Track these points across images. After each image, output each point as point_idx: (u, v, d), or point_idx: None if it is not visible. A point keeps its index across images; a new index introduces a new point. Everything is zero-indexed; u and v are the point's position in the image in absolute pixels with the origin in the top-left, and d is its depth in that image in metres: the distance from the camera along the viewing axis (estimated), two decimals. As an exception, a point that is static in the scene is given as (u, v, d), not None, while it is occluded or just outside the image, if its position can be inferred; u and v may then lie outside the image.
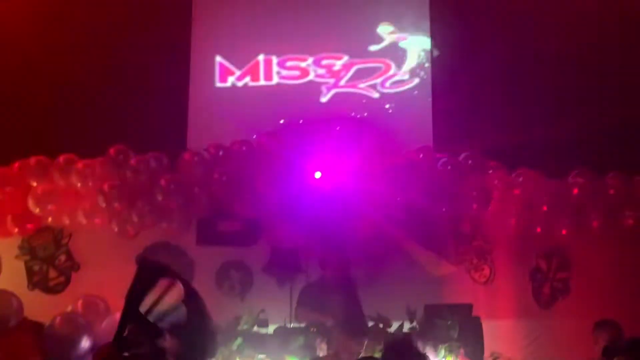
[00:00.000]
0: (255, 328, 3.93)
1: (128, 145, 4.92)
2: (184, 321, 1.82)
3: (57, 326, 3.23)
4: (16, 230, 4.87)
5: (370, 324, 4.05)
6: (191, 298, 1.86)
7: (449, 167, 5.06)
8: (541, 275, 5.47)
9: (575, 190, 5.27)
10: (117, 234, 4.87)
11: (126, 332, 1.75)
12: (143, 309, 1.77)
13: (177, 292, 1.88)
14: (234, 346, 3.64)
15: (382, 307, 4.41)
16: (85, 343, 3.26)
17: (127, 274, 5.05)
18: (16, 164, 4.87)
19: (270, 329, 4.04)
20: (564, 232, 5.23)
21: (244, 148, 4.99)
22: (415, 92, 5.83)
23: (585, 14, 5.96)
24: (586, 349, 4.17)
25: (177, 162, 4.92)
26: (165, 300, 1.79)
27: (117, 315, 3.54)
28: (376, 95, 5.76)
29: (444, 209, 5.06)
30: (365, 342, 3.42)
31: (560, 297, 5.47)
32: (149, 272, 1.83)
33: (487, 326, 4.52)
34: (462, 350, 3.87)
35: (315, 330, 3.78)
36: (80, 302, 3.66)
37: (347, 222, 5.26)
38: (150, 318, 1.78)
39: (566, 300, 5.45)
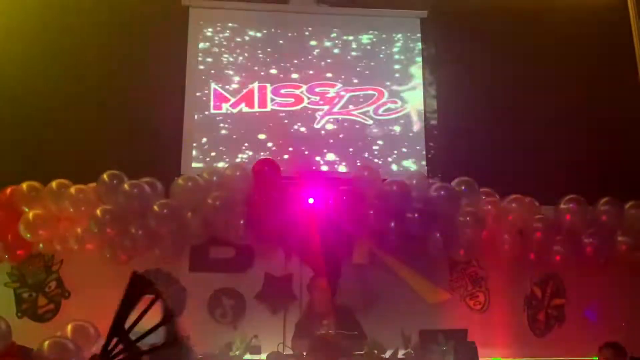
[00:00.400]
0: (248, 355, 3.86)
1: (121, 170, 4.92)
2: (161, 344, 1.88)
3: (46, 350, 3.16)
4: (6, 256, 4.81)
5: (365, 350, 3.98)
6: (167, 319, 1.93)
7: (442, 193, 5.07)
8: (536, 302, 5.46)
9: (568, 217, 5.30)
10: (109, 260, 4.81)
11: (111, 346, 1.82)
12: (127, 324, 1.85)
13: (156, 311, 1.93)
14: (227, 373, 3.58)
15: (376, 333, 4.37)
16: (74, 370, 3.19)
17: (118, 300, 4.99)
18: (8, 189, 4.84)
19: (263, 355, 3.97)
20: (557, 258, 5.22)
21: (237, 173, 4.99)
22: (408, 118, 5.89)
23: (575, 38, 6.11)
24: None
25: (171, 188, 4.91)
26: (146, 318, 1.86)
27: (107, 341, 3.49)
28: (369, 121, 5.81)
29: (437, 235, 5.05)
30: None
31: (556, 325, 5.45)
32: (137, 286, 1.90)
33: (482, 354, 4.49)
34: (457, 376, 3.82)
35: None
36: (69, 327, 3.59)
37: (341, 248, 5.26)
38: (132, 336, 1.85)
39: (562, 328, 5.43)
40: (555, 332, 5.41)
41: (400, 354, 3.97)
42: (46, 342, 3.27)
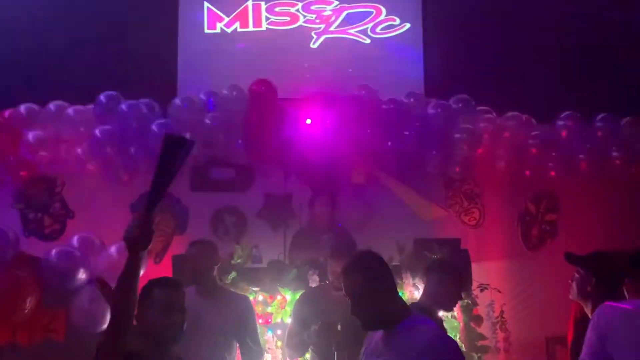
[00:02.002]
0: (250, 264, 4.01)
1: (118, 92, 4.92)
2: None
3: (54, 259, 3.29)
4: (10, 178, 4.89)
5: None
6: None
7: (439, 111, 5.08)
8: (530, 218, 5.58)
9: (564, 133, 5.34)
10: (110, 181, 4.90)
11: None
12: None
13: None
14: (228, 279, 3.73)
15: (372, 244, 4.49)
16: (81, 275, 3.33)
17: (121, 220, 5.13)
18: (6, 112, 4.86)
19: (264, 264, 4.13)
20: (552, 173, 5.30)
21: (234, 94, 4.98)
22: (406, 37, 5.81)
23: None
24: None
25: (168, 108, 4.92)
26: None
27: (113, 250, 3.62)
28: (367, 40, 5.73)
29: (434, 152, 5.11)
30: None
31: (549, 239, 5.60)
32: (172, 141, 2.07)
33: (476, 267, 4.65)
34: (450, 282, 3.96)
35: (307, 264, 3.86)
36: (75, 238, 3.72)
37: (338, 168, 5.34)
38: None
39: (554, 242, 5.59)
40: (548, 246, 5.56)
41: (395, 261, 4.10)
42: (53, 251, 3.40)
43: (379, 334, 2.16)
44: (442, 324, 3.15)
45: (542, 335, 4.95)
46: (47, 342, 3.48)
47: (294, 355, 3.30)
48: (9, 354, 2.90)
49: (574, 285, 2.75)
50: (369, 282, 2.07)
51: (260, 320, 3.69)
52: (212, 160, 5.16)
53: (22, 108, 4.85)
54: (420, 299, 3.15)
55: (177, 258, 4.14)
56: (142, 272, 2.13)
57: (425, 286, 3.14)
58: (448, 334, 2.76)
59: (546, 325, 4.90)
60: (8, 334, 3.20)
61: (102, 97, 4.81)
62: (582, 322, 3.91)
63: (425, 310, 2.81)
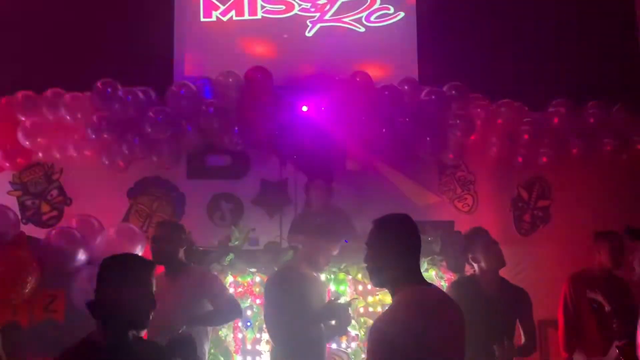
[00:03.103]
0: (247, 246, 4.06)
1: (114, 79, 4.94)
2: None
3: (54, 239, 3.33)
4: (7, 164, 4.92)
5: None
6: None
7: (433, 97, 5.14)
8: (522, 204, 5.66)
9: (556, 120, 5.41)
10: (107, 168, 4.94)
11: None
12: None
13: None
14: (226, 261, 3.78)
15: (367, 231, 4.55)
16: (81, 256, 3.37)
17: (118, 206, 5.18)
18: (3, 99, 4.89)
19: (261, 246, 4.17)
20: (544, 160, 5.37)
21: (230, 80, 5.02)
22: (401, 25, 5.86)
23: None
24: (565, 271, 4.31)
25: (165, 95, 4.96)
26: None
27: (111, 232, 3.66)
28: (361, 29, 5.78)
29: (427, 139, 5.17)
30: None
31: (541, 225, 5.68)
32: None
33: (469, 251, 4.72)
34: (443, 263, 4.04)
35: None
36: (74, 220, 3.76)
37: (333, 154, 5.39)
38: None
39: (546, 228, 5.68)
40: (540, 231, 5.64)
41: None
42: (53, 232, 3.44)
43: None
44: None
45: (535, 318, 5.02)
46: (47, 322, 3.52)
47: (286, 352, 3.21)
48: (9, 333, 2.93)
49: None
50: (381, 237, 2.20)
51: (257, 301, 3.75)
52: (208, 147, 5.20)
53: (19, 95, 4.87)
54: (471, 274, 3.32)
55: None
56: None
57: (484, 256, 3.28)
58: None
59: (538, 308, 4.96)
60: (8, 314, 3.23)
61: (99, 84, 4.83)
62: (573, 306, 4.04)
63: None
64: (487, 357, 3.03)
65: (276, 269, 3.78)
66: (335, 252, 3.36)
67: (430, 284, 2.27)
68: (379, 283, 2.21)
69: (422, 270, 3.96)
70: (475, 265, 3.36)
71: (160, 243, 3.19)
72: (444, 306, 2.14)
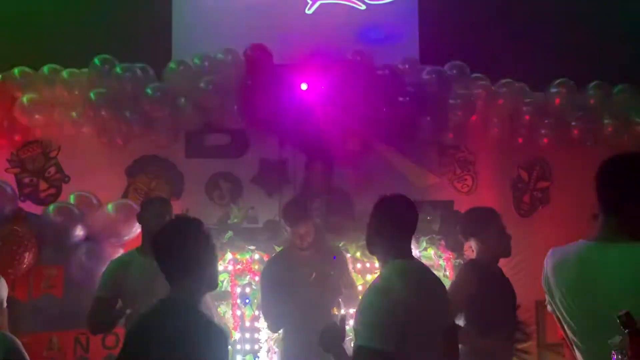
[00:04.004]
0: (246, 224, 4.05)
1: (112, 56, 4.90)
2: None
3: (52, 214, 3.31)
4: (5, 142, 4.89)
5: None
6: None
7: (434, 77, 5.10)
8: (522, 185, 5.65)
9: (557, 101, 5.38)
10: (105, 145, 4.91)
11: None
12: None
13: None
14: (225, 239, 3.77)
15: (367, 211, 4.55)
16: (79, 232, 3.36)
17: (117, 185, 5.16)
18: (-1, 76, 4.84)
19: (260, 224, 4.17)
20: (545, 141, 5.35)
21: (229, 58, 4.97)
22: (402, 3, 5.79)
23: None
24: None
25: (163, 72, 4.91)
26: None
27: (109, 208, 3.64)
28: (362, 7, 5.71)
29: (428, 119, 5.13)
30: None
31: (540, 206, 5.68)
32: None
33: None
34: (442, 242, 4.04)
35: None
36: (72, 196, 3.74)
37: (334, 135, 5.36)
38: None
39: (546, 209, 5.67)
40: (540, 213, 5.65)
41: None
42: (51, 206, 3.42)
43: None
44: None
45: (533, 298, 5.03)
46: (46, 297, 3.53)
47: (277, 326, 3.34)
48: (8, 308, 2.93)
49: None
50: (373, 216, 2.45)
51: (256, 278, 3.75)
52: (207, 125, 5.17)
53: (16, 72, 4.82)
54: (478, 256, 3.21)
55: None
56: None
57: (480, 243, 3.19)
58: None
59: (536, 289, 4.98)
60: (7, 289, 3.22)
61: (96, 61, 4.78)
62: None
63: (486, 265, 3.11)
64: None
65: (275, 247, 3.80)
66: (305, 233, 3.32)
67: (414, 259, 2.51)
68: (373, 252, 2.47)
69: (421, 249, 4.04)
70: (476, 249, 3.23)
71: (150, 222, 3.08)
72: (426, 276, 2.41)
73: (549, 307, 2.16)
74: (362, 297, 2.29)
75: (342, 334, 2.32)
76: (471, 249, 3.30)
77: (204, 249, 2.02)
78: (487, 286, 2.96)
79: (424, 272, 2.42)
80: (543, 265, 2.17)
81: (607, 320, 1.69)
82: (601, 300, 1.84)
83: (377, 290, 2.25)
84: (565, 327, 2.02)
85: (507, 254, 3.21)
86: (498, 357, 3.00)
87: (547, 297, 2.15)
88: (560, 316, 2.04)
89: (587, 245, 1.97)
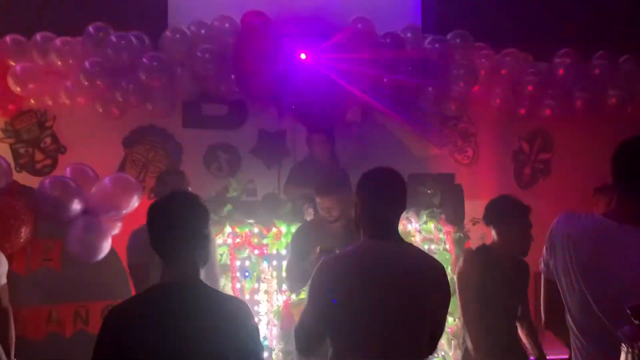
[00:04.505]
0: (245, 197, 4.01)
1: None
2: None
3: (48, 188, 3.27)
4: (-2, 111, 4.80)
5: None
6: None
7: (436, 46, 4.99)
8: (523, 157, 5.61)
9: (561, 71, 5.28)
10: (102, 115, 4.82)
11: None
12: None
13: None
14: (224, 212, 3.74)
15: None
16: (76, 206, 3.31)
17: (113, 155, 5.07)
18: (-9, 43, 4.71)
19: (259, 197, 4.13)
20: (548, 112, 5.28)
21: (226, 25, 4.84)
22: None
23: None
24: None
25: (159, 40, 4.78)
26: None
27: (106, 181, 3.59)
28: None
29: (430, 89, 5.05)
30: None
31: (541, 178, 5.65)
32: None
33: (468, 203, 4.68)
34: (443, 216, 4.01)
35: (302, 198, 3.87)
36: (69, 169, 3.68)
37: (333, 104, 5.27)
38: None
39: (546, 181, 5.64)
40: (540, 184, 5.62)
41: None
42: (47, 180, 3.37)
43: None
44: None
45: (531, 270, 5.05)
46: (43, 270, 3.51)
47: (294, 287, 3.33)
48: (7, 282, 2.91)
49: None
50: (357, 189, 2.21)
51: (256, 252, 3.73)
52: (204, 95, 5.07)
53: (8, 39, 4.69)
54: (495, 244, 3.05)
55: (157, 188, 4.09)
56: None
57: (498, 235, 3.04)
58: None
59: (535, 261, 4.98)
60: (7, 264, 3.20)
61: (90, 29, 4.65)
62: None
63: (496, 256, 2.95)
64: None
65: (275, 220, 3.77)
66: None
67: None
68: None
69: (421, 223, 4.01)
70: (494, 238, 3.07)
71: None
72: (397, 255, 2.13)
73: (542, 267, 2.12)
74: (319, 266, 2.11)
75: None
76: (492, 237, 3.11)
77: (208, 222, 1.96)
78: (491, 275, 2.88)
79: (398, 252, 2.14)
80: (542, 237, 2.12)
81: (615, 302, 1.68)
82: (613, 282, 1.82)
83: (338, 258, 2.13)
84: (565, 291, 1.99)
85: (523, 254, 3.07)
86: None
87: (545, 256, 2.10)
88: (560, 280, 2.01)
89: (607, 222, 1.92)
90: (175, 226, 1.88)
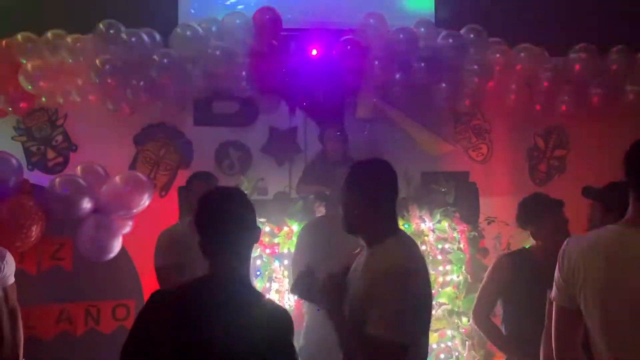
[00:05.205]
0: (256, 196, 3.98)
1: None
2: None
3: (58, 186, 3.25)
4: (10, 109, 4.80)
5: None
6: None
7: (450, 41, 4.90)
8: (538, 153, 5.52)
9: (577, 66, 5.17)
10: (113, 113, 4.81)
11: None
12: None
13: None
14: (235, 210, 3.70)
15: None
16: (86, 204, 3.30)
17: (125, 153, 5.07)
18: (3, 41, 4.70)
19: (270, 196, 4.10)
20: (563, 108, 5.18)
21: (237, 22, 4.80)
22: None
23: None
24: (580, 221, 4.22)
25: (170, 37, 4.76)
26: None
27: (117, 179, 3.58)
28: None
29: (443, 85, 4.97)
30: None
31: (557, 175, 5.56)
32: None
33: (483, 201, 4.62)
34: (457, 214, 3.95)
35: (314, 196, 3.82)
36: (79, 168, 3.67)
37: (345, 101, 5.23)
38: None
39: (562, 178, 5.55)
40: (556, 181, 5.52)
41: (402, 194, 4.05)
42: (57, 179, 3.36)
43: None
44: None
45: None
46: (54, 269, 3.50)
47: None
48: (17, 281, 2.90)
49: None
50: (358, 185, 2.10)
51: (267, 251, 3.70)
52: (215, 93, 5.04)
53: (19, 37, 4.69)
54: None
55: (183, 190, 4.10)
56: None
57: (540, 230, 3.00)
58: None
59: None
60: (16, 261, 3.19)
61: (101, 26, 4.63)
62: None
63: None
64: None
65: (286, 219, 3.74)
66: None
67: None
68: (359, 230, 2.11)
69: (435, 221, 3.95)
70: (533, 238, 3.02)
71: None
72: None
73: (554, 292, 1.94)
74: (384, 282, 1.91)
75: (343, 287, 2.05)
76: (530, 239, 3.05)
77: (255, 218, 1.94)
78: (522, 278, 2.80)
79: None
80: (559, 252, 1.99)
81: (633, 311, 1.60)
82: (631, 292, 1.73)
83: (408, 273, 1.94)
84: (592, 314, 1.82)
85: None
86: None
87: (562, 292, 1.90)
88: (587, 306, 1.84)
89: (620, 229, 1.83)
90: (225, 220, 1.85)
